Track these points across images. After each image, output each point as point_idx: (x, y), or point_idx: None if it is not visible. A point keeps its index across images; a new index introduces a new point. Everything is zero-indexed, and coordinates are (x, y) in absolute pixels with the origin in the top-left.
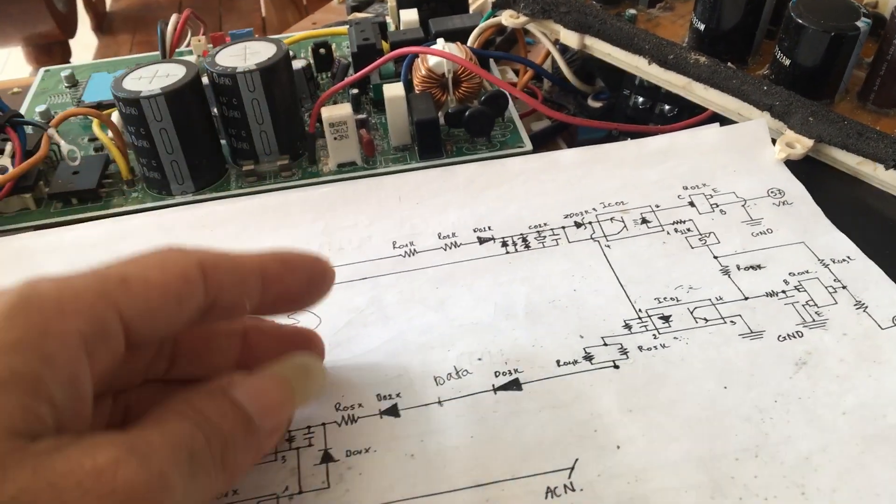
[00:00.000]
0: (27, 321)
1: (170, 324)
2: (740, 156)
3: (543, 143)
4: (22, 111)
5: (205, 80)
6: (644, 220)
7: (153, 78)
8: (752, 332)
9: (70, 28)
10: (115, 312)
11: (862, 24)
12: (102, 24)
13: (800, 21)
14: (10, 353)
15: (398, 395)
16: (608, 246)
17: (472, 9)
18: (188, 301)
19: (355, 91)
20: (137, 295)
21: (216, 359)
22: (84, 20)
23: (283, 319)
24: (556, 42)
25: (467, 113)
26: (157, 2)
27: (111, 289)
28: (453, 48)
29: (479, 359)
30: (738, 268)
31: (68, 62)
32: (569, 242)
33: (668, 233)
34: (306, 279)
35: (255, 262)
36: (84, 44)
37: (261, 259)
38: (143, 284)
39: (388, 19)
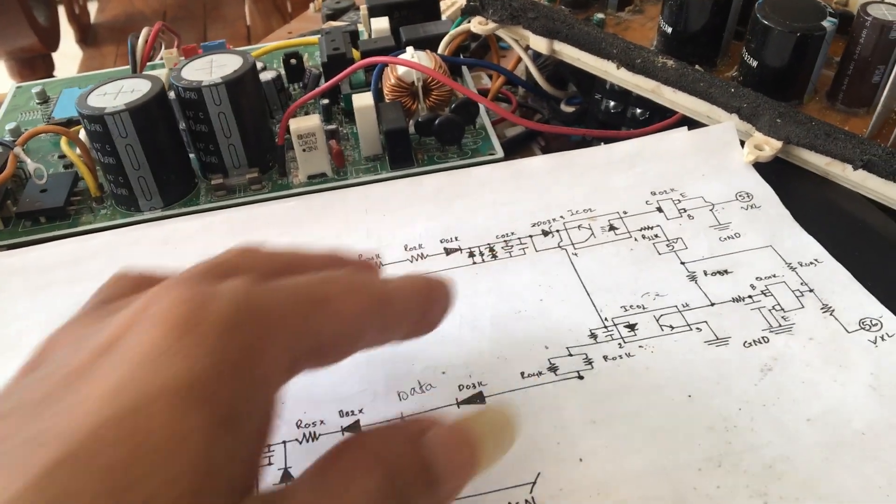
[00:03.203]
0: (245, 337)
1: (343, 355)
2: (709, 159)
3: (518, 149)
4: None
5: (172, 94)
6: (612, 227)
7: (118, 94)
8: (717, 339)
9: (52, 41)
10: (313, 339)
11: (828, 23)
12: (87, 36)
13: (766, 22)
14: (228, 384)
15: (360, 412)
16: (575, 254)
17: (445, 16)
18: (368, 333)
19: (326, 101)
20: (334, 320)
21: None
22: (68, 32)
23: None
24: (526, 48)
25: (437, 121)
26: (141, 13)
27: (314, 312)
28: (423, 56)
29: (443, 372)
30: (705, 273)
31: (52, 75)
32: (536, 251)
33: (636, 239)
34: (444, 308)
35: (414, 293)
36: (69, 56)
37: (416, 289)
38: (341, 309)
39: (361, 27)
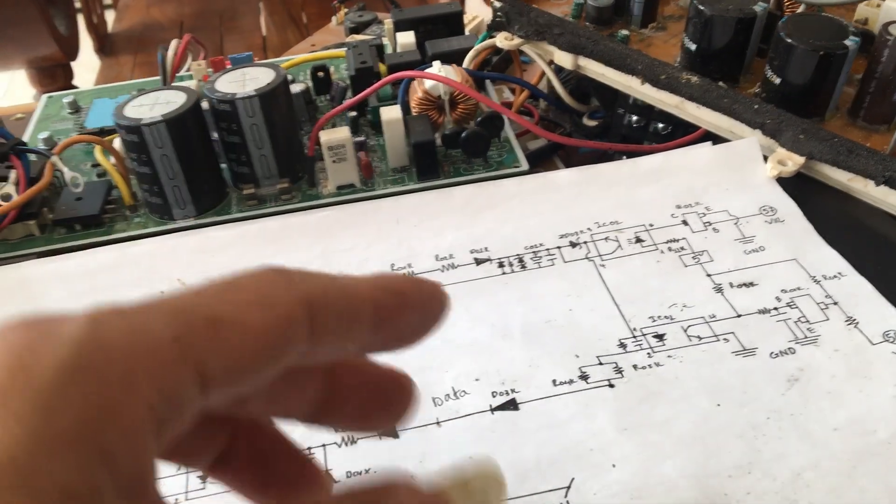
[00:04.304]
0: (86, 394)
1: (253, 381)
2: (732, 174)
3: (540, 161)
4: (25, 138)
5: (205, 105)
6: (638, 240)
7: (154, 105)
8: (744, 350)
9: (72, 50)
10: (195, 374)
11: (850, 42)
12: (104, 45)
13: (789, 41)
14: (61, 455)
15: None
16: (603, 265)
17: (467, 30)
18: (286, 352)
19: (353, 114)
20: (227, 345)
21: (293, 400)
22: (86, 42)
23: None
24: (550, 62)
25: (464, 134)
26: (158, 23)
27: (196, 338)
28: (449, 70)
29: (477, 379)
30: (731, 285)
31: (71, 84)
32: (564, 262)
33: (662, 251)
34: (421, 315)
35: (368, 296)
36: (87, 65)
37: (373, 291)
38: (237, 332)
39: (386, 41)
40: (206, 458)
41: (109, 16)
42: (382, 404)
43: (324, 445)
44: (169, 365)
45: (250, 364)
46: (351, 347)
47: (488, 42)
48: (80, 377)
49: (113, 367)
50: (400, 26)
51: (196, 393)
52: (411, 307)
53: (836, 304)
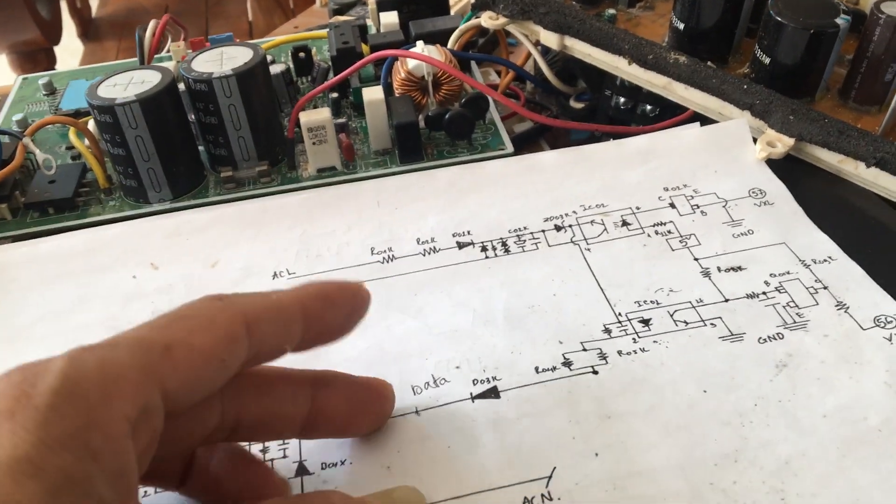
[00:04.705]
0: (74, 410)
1: (210, 387)
2: (721, 156)
3: (526, 144)
4: None
5: (181, 86)
6: (624, 223)
7: (128, 85)
8: (732, 335)
9: (55, 35)
10: (158, 389)
11: (841, 20)
12: (88, 30)
13: (779, 19)
14: (61, 453)
15: None
16: (588, 249)
17: (453, 11)
18: (232, 361)
19: (335, 95)
20: (182, 364)
21: (282, 420)
22: (70, 26)
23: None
24: (536, 43)
25: (447, 116)
26: (143, 7)
27: (155, 361)
28: (433, 51)
29: (458, 367)
30: (719, 269)
31: (54, 69)
32: (549, 246)
33: (649, 235)
34: (346, 313)
35: (296, 304)
36: (70, 50)
37: (300, 298)
38: (187, 352)
39: (369, 22)
40: (174, 478)
41: (93, 0)
42: (363, 411)
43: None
44: (139, 386)
45: (201, 377)
46: (288, 348)
47: (473, 22)
48: (69, 399)
49: (92, 390)
50: (383, 6)
51: (160, 405)
52: (336, 307)
53: (825, 288)
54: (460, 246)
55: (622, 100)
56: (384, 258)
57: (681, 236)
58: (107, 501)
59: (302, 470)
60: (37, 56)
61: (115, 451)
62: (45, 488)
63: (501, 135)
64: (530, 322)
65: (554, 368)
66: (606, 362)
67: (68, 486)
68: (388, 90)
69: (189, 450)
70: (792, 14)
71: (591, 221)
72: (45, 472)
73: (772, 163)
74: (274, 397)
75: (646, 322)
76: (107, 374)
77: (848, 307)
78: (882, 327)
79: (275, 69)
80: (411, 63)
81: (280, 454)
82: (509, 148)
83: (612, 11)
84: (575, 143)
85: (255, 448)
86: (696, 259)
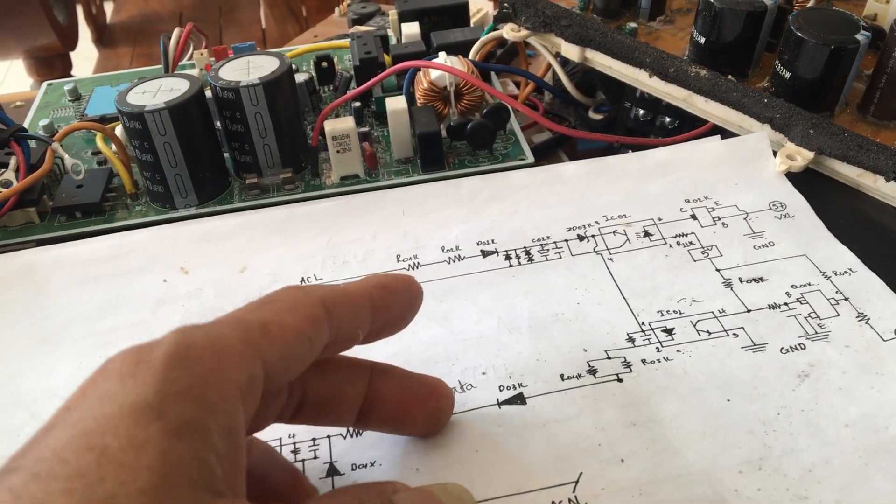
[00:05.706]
0: (190, 371)
1: (300, 366)
2: (742, 168)
3: (545, 155)
4: (25, 125)
5: (208, 93)
6: (646, 234)
7: (157, 92)
8: (754, 345)
9: (71, 41)
10: (260, 361)
11: (861, 37)
12: (103, 36)
13: (800, 34)
14: (180, 402)
15: None
16: (611, 259)
17: (473, 22)
18: (318, 341)
19: (358, 104)
20: (277, 341)
21: (342, 401)
22: (85, 32)
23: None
24: (556, 55)
25: (469, 126)
26: (157, 14)
27: (255, 336)
28: (455, 61)
29: (484, 373)
30: (741, 280)
31: (69, 75)
32: (572, 255)
33: (671, 246)
34: (406, 302)
35: (364, 292)
36: (85, 56)
37: (367, 288)
38: (280, 330)
39: (390, 32)
40: None
41: (108, 6)
42: (418, 403)
43: (328, 437)
44: (245, 357)
45: (294, 353)
46: (360, 334)
47: (494, 34)
48: (184, 362)
49: (205, 354)
50: (405, 17)
51: (262, 378)
52: (397, 295)
53: (846, 299)
54: (484, 254)
55: (641, 111)
56: (410, 265)
57: (702, 247)
58: (220, 452)
59: (332, 471)
60: (53, 61)
61: (228, 410)
62: (166, 429)
63: (522, 145)
64: (555, 330)
65: (579, 376)
66: (631, 370)
67: (187, 429)
68: (411, 100)
69: (255, 432)
70: (813, 30)
71: (614, 232)
72: (165, 416)
73: (791, 176)
74: (336, 376)
75: (669, 331)
76: (216, 344)
77: (869, 318)
78: None
79: (298, 78)
80: (434, 73)
81: (311, 455)
82: (530, 158)
83: (632, 25)
84: (582, 154)
85: (287, 450)
86: (717, 270)
